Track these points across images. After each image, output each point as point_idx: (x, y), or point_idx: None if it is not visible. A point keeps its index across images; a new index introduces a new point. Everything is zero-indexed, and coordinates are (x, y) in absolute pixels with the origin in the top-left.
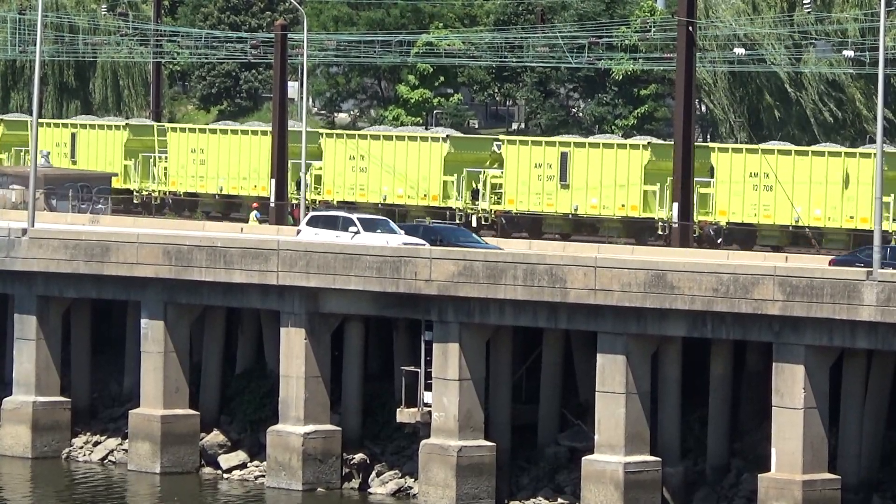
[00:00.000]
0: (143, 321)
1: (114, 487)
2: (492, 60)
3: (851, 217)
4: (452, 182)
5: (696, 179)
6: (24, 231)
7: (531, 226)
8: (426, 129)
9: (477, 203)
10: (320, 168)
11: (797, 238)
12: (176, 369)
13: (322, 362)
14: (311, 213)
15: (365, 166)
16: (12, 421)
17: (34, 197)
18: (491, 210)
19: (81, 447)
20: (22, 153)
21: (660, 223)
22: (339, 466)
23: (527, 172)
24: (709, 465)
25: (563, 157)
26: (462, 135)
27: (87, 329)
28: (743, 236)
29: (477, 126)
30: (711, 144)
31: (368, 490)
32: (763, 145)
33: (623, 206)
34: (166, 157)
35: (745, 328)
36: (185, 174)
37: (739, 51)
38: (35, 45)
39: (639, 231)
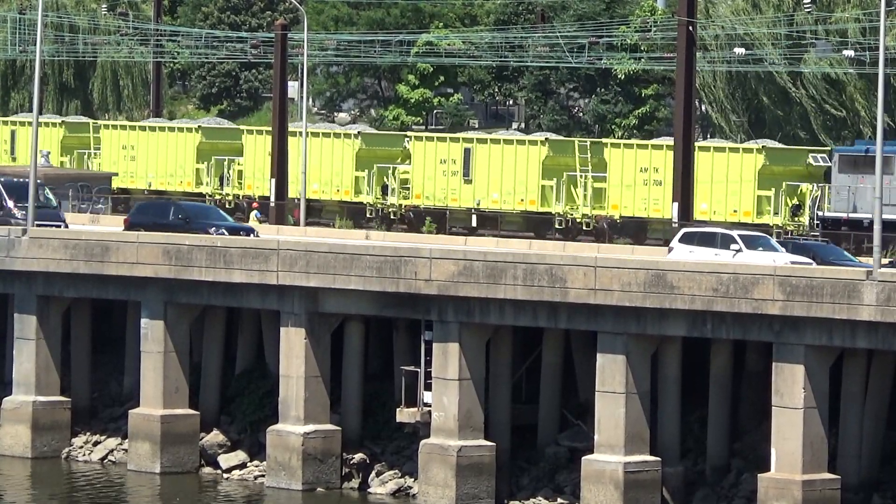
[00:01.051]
0: (143, 321)
1: (113, 487)
2: (492, 60)
3: (735, 211)
4: (364, 178)
5: (592, 174)
6: (25, 231)
7: (439, 220)
8: (426, 128)
9: (387, 198)
10: (241, 164)
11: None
12: (176, 369)
13: (322, 362)
14: (685, 230)
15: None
16: (12, 421)
17: (34, 197)
18: (400, 205)
19: (81, 447)
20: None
21: (557, 217)
22: (338, 466)
23: (433, 168)
24: (708, 465)
25: (467, 152)
26: (374, 131)
27: (87, 329)
28: (634, 230)
29: (477, 126)
30: (605, 140)
31: (368, 490)
32: (653, 141)
33: (522, 200)
34: (100, 154)
35: (744, 328)
36: (116, 170)
37: (739, 50)
38: (35, 44)
39: (537, 226)
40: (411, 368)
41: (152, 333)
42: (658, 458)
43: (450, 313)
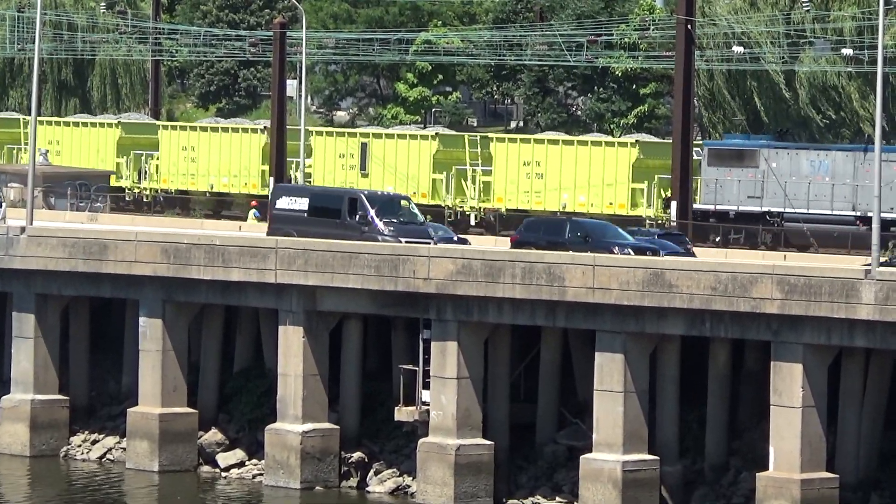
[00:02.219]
0: (142, 319)
1: (112, 486)
2: (490, 59)
3: (611, 203)
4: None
5: (482, 168)
6: (23, 229)
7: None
8: (424, 126)
9: None
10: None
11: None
12: (174, 368)
13: (320, 361)
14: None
15: (195, 157)
16: (10, 419)
17: (32, 195)
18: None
19: (79, 445)
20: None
21: (447, 210)
22: (337, 465)
23: (332, 162)
24: (707, 464)
25: (363, 147)
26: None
27: (86, 327)
28: (517, 222)
29: (476, 124)
30: (491, 134)
31: (366, 489)
32: (535, 135)
33: (414, 193)
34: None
35: (743, 327)
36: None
37: (738, 49)
38: (34, 42)
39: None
40: (410, 367)
41: (150, 332)
42: (656, 457)
43: (448, 312)
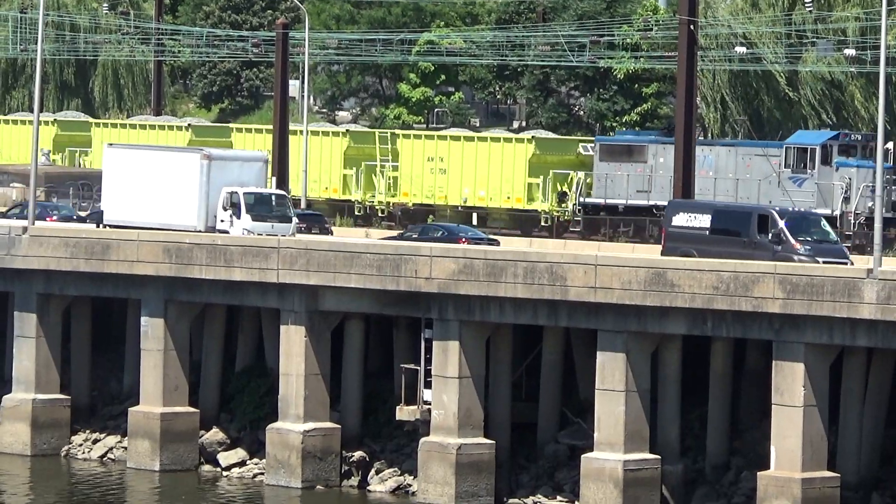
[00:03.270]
0: (143, 319)
1: (113, 485)
2: (493, 59)
3: (508, 197)
4: None
5: (392, 164)
6: (25, 229)
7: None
8: (427, 127)
9: None
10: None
11: (468, 217)
12: (176, 367)
13: (322, 360)
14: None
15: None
16: (12, 418)
17: (35, 195)
18: None
19: (81, 445)
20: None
21: (357, 205)
22: (338, 464)
23: None
24: (708, 463)
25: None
26: (206, 124)
27: (87, 327)
28: (423, 216)
29: (478, 124)
30: (397, 131)
31: (368, 488)
32: (439, 132)
33: (326, 188)
34: None
35: (745, 326)
36: None
37: (741, 49)
38: (36, 43)
39: (338, 212)
40: (411, 366)
41: (152, 331)
42: (658, 456)
43: (450, 311)
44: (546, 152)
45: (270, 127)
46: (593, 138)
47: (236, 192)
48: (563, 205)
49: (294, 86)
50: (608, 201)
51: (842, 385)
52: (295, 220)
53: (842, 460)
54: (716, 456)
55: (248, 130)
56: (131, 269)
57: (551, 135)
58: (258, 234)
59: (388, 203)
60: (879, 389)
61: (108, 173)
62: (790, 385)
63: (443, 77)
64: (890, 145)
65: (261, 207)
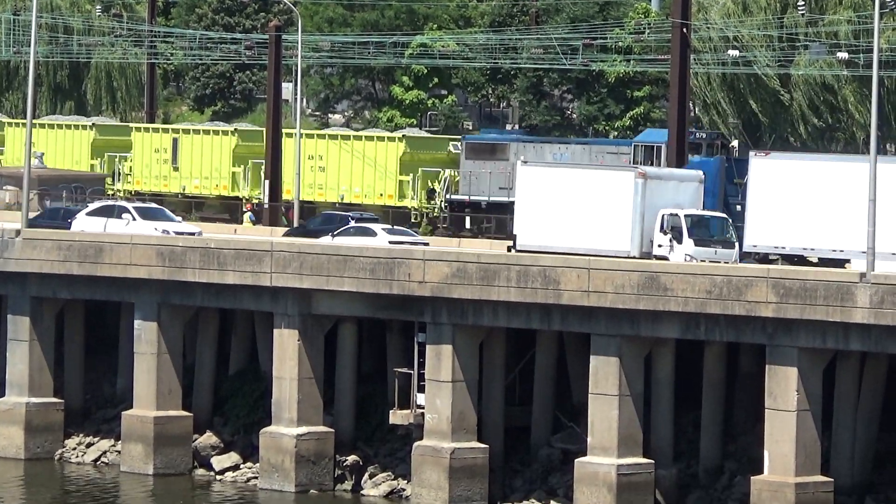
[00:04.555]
0: (137, 322)
1: (107, 488)
2: (486, 62)
3: (381, 194)
4: (97, 165)
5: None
6: (18, 232)
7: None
8: (420, 129)
9: (114, 185)
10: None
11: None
12: (169, 371)
13: (315, 364)
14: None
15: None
16: (5, 422)
17: (28, 198)
18: (123, 190)
19: (74, 448)
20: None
21: (244, 201)
22: (331, 468)
23: (150, 156)
24: (702, 468)
25: (175, 142)
26: (108, 122)
27: (81, 330)
28: (307, 214)
29: (471, 127)
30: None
31: (361, 492)
32: (318, 131)
33: (217, 185)
34: None
35: (738, 330)
36: None
37: (733, 52)
38: (29, 45)
39: (230, 209)
40: (404, 370)
41: (146, 335)
42: (651, 461)
43: (443, 315)
44: (418, 151)
45: (169, 126)
46: (458, 137)
47: (677, 215)
48: (432, 202)
49: (287, 88)
50: (472, 198)
51: (835, 389)
52: (736, 245)
53: (835, 464)
54: (709, 460)
55: (147, 130)
56: (124, 272)
57: (424, 133)
58: (701, 261)
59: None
60: (873, 394)
61: (523, 193)
62: (783, 389)
63: (436, 80)
64: (734, 143)
65: (703, 231)
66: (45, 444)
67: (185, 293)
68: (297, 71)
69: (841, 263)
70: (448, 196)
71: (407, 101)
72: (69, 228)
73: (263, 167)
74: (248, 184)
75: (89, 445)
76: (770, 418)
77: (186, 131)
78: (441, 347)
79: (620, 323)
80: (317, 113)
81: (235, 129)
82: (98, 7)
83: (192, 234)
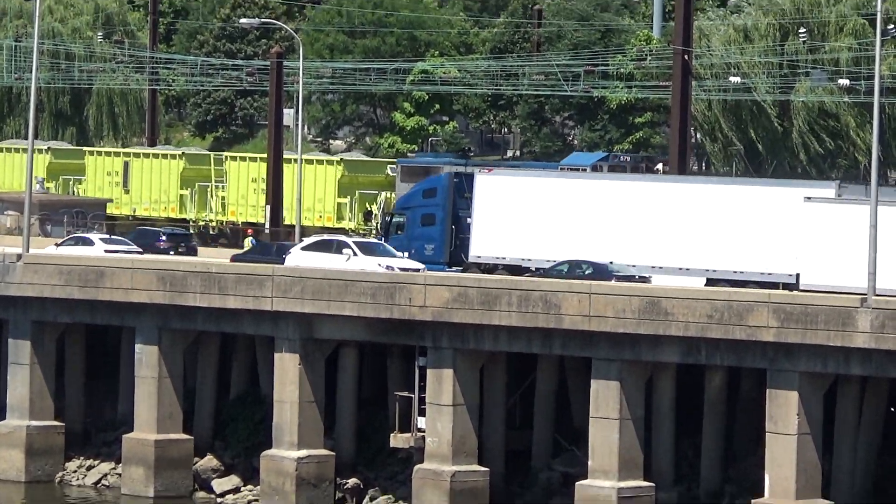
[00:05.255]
0: (138, 346)
1: None
2: (487, 88)
3: (321, 216)
4: (52, 188)
5: (222, 184)
6: (19, 256)
7: (110, 226)
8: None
9: None
10: None
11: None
12: (170, 394)
13: (316, 387)
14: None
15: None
16: (6, 445)
17: (29, 222)
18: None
19: (75, 471)
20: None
21: (191, 223)
22: (332, 491)
23: (102, 179)
24: (702, 491)
25: (126, 165)
26: (63, 146)
27: (82, 354)
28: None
29: (472, 153)
30: (225, 154)
31: None
32: (262, 154)
33: (165, 207)
34: None
35: (739, 355)
36: None
37: (734, 79)
38: (31, 71)
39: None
40: (405, 394)
41: (146, 359)
42: (652, 484)
43: (444, 339)
44: (356, 173)
45: (121, 150)
46: (394, 160)
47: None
48: (369, 223)
49: (288, 114)
50: None
51: (836, 413)
52: None
53: (835, 488)
54: (710, 483)
55: (99, 153)
56: (125, 296)
57: (363, 157)
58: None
59: (221, 222)
60: (873, 418)
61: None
62: (784, 413)
63: (437, 106)
64: (660, 166)
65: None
66: (46, 467)
67: (186, 317)
68: (298, 97)
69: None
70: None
71: (408, 128)
72: (283, 264)
73: (209, 189)
74: (195, 206)
75: (90, 468)
76: (771, 442)
77: (137, 155)
78: (442, 371)
79: (621, 347)
80: (318, 139)
81: (183, 153)
82: (99, 33)
83: (417, 270)
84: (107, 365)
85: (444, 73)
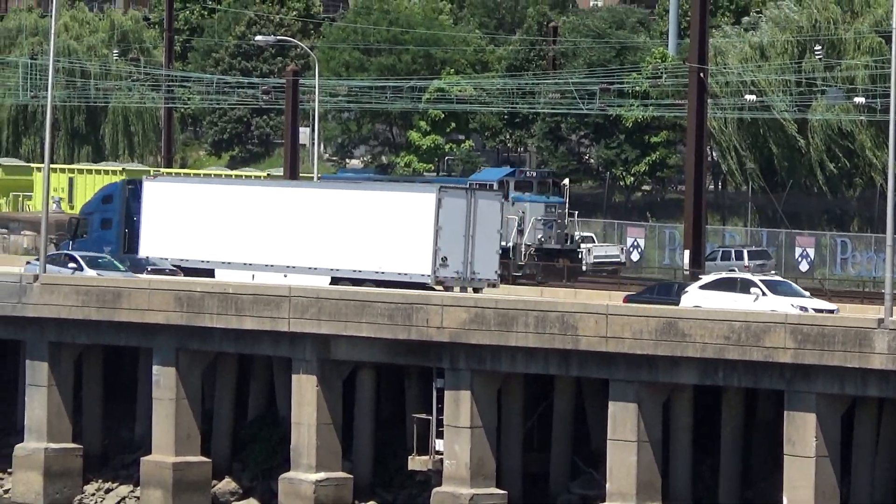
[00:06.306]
0: (155, 368)
1: None
2: (503, 107)
3: None
4: (2, 204)
5: None
6: (36, 277)
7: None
8: (437, 174)
9: None
10: None
11: None
12: (188, 416)
13: (334, 409)
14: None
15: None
16: (24, 467)
17: (46, 243)
18: None
19: (93, 494)
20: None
21: None
22: None
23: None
24: None
25: (71, 182)
26: (13, 162)
27: (99, 375)
28: None
29: None
30: (162, 170)
31: None
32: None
33: None
34: None
35: (756, 376)
36: None
37: (750, 97)
38: (47, 90)
39: None
40: (423, 416)
41: (164, 380)
42: None
43: (461, 361)
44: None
45: (66, 166)
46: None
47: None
48: None
49: (304, 133)
50: None
51: (854, 435)
52: None
53: None
54: None
55: (39, 170)
56: (143, 317)
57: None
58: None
59: None
60: (892, 439)
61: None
62: (802, 435)
63: (453, 125)
64: (566, 182)
65: None
66: (64, 490)
67: (203, 338)
68: (314, 116)
69: (211, 273)
70: None
71: (424, 146)
72: (677, 304)
73: None
74: None
75: (108, 491)
76: (788, 464)
77: (81, 171)
78: (459, 393)
79: (639, 369)
80: (334, 158)
81: (124, 169)
82: (115, 51)
83: (832, 311)
84: (124, 386)
85: (460, 91)
